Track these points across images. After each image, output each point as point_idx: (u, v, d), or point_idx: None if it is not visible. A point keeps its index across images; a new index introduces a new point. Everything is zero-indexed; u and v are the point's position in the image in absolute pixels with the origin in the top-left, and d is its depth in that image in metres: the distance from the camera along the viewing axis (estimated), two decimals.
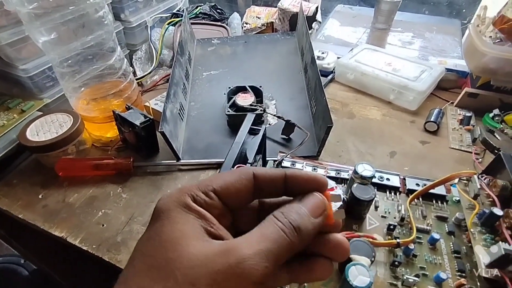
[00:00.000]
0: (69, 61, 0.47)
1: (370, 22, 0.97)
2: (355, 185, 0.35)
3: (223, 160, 0.48)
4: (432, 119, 0.52)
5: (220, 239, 0.16)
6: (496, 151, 0.47)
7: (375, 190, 0.35)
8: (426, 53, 0.79)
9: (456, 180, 0.37)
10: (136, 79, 0.66)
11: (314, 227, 0.17)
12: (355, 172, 0.36)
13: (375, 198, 0.38)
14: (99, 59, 0.48)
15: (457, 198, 0.37)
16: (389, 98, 0.59)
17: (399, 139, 0.52)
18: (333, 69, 0.66)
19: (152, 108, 0.55)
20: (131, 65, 0.69)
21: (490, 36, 0.54)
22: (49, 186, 0.46)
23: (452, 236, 0.34)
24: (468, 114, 0.53)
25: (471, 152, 0.49)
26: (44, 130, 0.46)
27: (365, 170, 0.36)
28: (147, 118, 0.47)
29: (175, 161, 0.48)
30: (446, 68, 0.61)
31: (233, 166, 0.35)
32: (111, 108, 0.50)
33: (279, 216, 0.16)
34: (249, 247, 0.15)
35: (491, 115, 0.52)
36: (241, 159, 0.37)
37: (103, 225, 0.41)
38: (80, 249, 0.38)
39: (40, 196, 0.45)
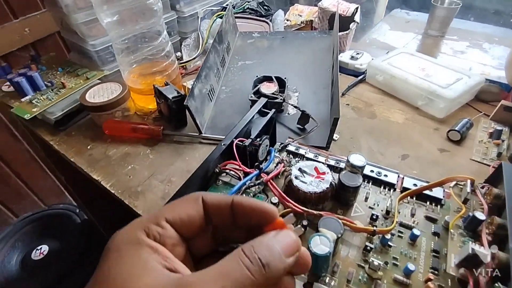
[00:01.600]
0: (126, 40, 0.57)
1: (423, 28, 0.93)
2: (343, 172, 0.37)
3: None
4: (456, 128, 0.50)
5: (175, 273, 0.15)
6: None
7: (362, 178, 0.36)
8: (478, 64, 0.74)
9: (452, 184, 0.36)
10: (182, 63, 0.74)
11: (285, 268, 0.15)
12: (347, 161, 0.38)
13: (368, 191, 0.39)
14: (149, 40, 0.57)
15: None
16: (417, 104, 0.58)
17: (417, 143, 0.51)
18: (365, 70, 0.66)
19: (188, 87, 0.62)
20: (180, 50, 0.78)
21: None
22: (96, 140, 0.56)
23: (436, 237, 0.34)
24: (499, 128, 0.50)
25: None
26: (99, 94, 0.57)
27: (357, 160, 0.37)
28: (179, 94, 0.54)
29: (197, 134, 0.54)
30: (487, 79, 0.57)
31: (235, 138, 0.39)
32: (154, 83, 0.58)
33: (247, 251, 0.15)
34: (203, 285, 0.14)
35: None
36: (246, 134, 0.41)
37: (130, 177, 0.49)
38: (109, 192, 0.47)
39: (88, 147, 0.55)
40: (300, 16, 0.75)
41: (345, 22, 0.68)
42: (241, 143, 0.39)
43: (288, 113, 0.57)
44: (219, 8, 0.81)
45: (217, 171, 0.37)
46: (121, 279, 0.14)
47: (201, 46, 0.76)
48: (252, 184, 0.36)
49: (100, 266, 0.15)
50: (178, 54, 0.78)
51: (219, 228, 0.19)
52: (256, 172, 0.37)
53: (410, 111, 0.58)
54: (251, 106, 0.58)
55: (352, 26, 0.67)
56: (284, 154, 0.46)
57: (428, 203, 0.38)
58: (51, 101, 0.58)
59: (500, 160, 0.47)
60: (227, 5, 0.81)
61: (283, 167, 0.39)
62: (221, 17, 0.78)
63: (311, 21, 0.73)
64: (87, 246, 1.03)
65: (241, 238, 0.18)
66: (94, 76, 0.64)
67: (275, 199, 0.37)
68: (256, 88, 0.58)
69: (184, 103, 0.48)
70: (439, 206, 0.37)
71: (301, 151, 0.45)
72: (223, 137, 0.54)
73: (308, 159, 0.44)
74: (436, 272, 0.31)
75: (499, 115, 0.52)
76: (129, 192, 0.46)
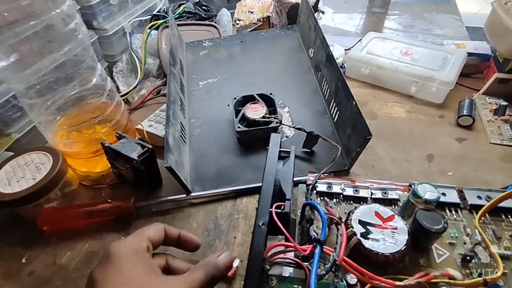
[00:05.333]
0: (37, 87, 0.38)
1: (364, 7, 0.91)
2: (420, 211, 0.29)
3: (240, 187, 0.41)
4: (465, 113, 0.47)
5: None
6: None
7: (444, 215, 0.29)
8: (432, 36, 0.74)
9: None
10: (121, 96, 0.57)
11: (223, 276, 0.26)
12: (415, 195, 0.30)
13: None
14: (75, 80, 0.40)
15: None
16: (410, 92, 0.53)
17: (432, 138, 0.47)
18: (343, 64, 0.59)
19: (146, 131, 0.47)
20: (112, 79, 0.60)
21: None
22: (34, 245, 0.37)
23: None
24: (504, 103, 0.48)
25: None
26: (17, 177, 0.37)
27: (427, 192, 0.30)
28: (145, 148, 0.39)
29: (184, 195, 0.40)
30: (467, 53, 0.55)
31: (271, 206, 0.28)
32: (98, 138, 0.41)
33: (204, 267, 0.25)
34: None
35: None
36: (277, 195, 0.30)
37: None
38: None
39: (23, 260, 0.36)
40: (252, 13, 0.64)
41: None
42: (280, 210, 0.28)
43: (286, 136, 0.47)
44: (149, 16, 0.64)
45: (267, 267, 0.25)
46: (138, 277, 0.21)
47: (140, 69, 0.60)
48: (324, 271, 0.25)
49: (108, 266, 0.22)
50: None
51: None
52: (318, 249, 0.26)
53: (407, 101, 0.53)
54: (238, 138, 0.46)
55: (318, 16, 0.59)
56: (315, 197, 0.36)
57: (503, 216, 0.32)
58: None
59: None
60: (158, 12, 0.65)
61: (346, 229, 0.29)
62: (156, 28, 0.62)
63: (268, 17, 0.62)
64: None
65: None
66: None
67: (352, 278, 0.27)
68: (241, 114, 0.45)
69: (165, 165, 0.33)
70: None
71: (335, 189, 0.36)
72: (220, 190, 0.41)
73: (347, 198, 0.35)
74: None
75: (493, 88, 0.51)
76: None
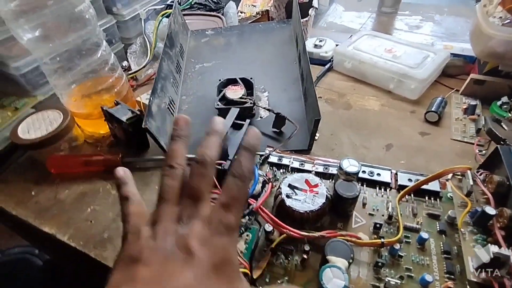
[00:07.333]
0: (57, 58, 0.47)
1: (375, 6, 0.92)
2: (339, 181, 0.33)
3: None
4: (433, 109, 0.49)
5: None
6: (502, 142, 0.44)
7: (360, 186, 0.33)
8: (434, 37, 0.74)
9: (450, 176, 0.34)
10: (131, 73, 0.65)
11: None
12: (340, 168, 0.34)
13: (364, 195, 0.36)
14: (85, 55, 0.48)
15: (451, 195, 0.35)
16: (389, 87, 0.56)
17: (397, 130, 0.49)
18: (331, 58, 0.63)
19: (143, 103, 0.55)
20: (126, 59, 0.69)
21: (501, 17, 0.50)
22: (42, 183, 0.46)
23: (443, 236, 0.32)
24: (473, 102, 0.50)
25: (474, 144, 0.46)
26: (35, 127, 0.47)
27: (350, 165, 0.34)
28: (134, 114, 0.46)
29: (163, 156, 0.47)
30: (452, 53, 0.57)
31: None
32: (102, 104, 0.50)
33: None
34: None
35: (499, 103, 0.49)
36: (222, 155, 0.36)
37: (91, 222, 0.41)
38: (68, 246, 0.39)
39: (33, 193, 0.45)
40: (254, 6, 0.70)
41: (303, 8, 0.63)
42: (220, 167, 0.34)
43: (260, 117, 0.52)
44: (163, 6, 0.72)
45: None
46: None
47: (150, 51, 0.68)
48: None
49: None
50: (125, 63, 0.68)
51: None
52: None
53: (384, 96, 0.56)
54: (218, 115, 0.52)
55: (311, 12, 0.63)
56: (267, 167, 0.41)
57: (426, 198, 0.36)
58: None
59: (479, 136, 0.46)
60: (171, 2, 0.73)
61: (271, 187, 0.34)
62: (167, 16, 0.70)
63: (267, 10, 0.68)
64: None
65: None
66: (25, 105, 0.53)
67: (269, 227, 0.32)
68: (222, 93, 0.52)
69: (143, 125, 0.41)
70: (438, 200, 0.35)
71: (285, 161, 0.41)
72: (194, 156, 0.48)
73: (294, 169, 0.40)
74: (452, 276, 0.29)
75: (469, 89, 0.52)
76: (93, 241, 0.39)
